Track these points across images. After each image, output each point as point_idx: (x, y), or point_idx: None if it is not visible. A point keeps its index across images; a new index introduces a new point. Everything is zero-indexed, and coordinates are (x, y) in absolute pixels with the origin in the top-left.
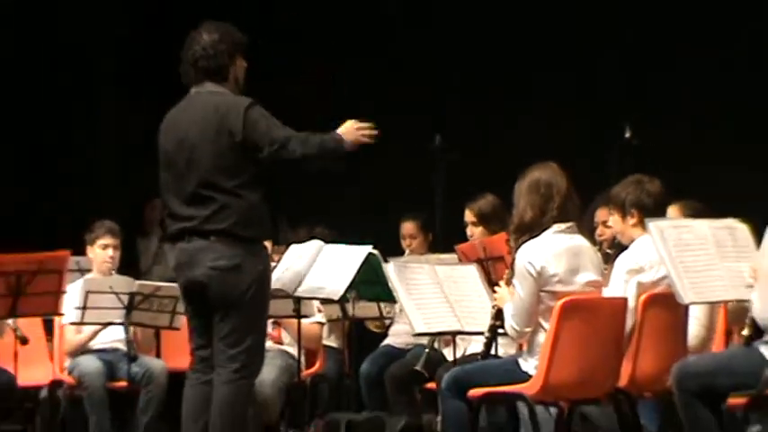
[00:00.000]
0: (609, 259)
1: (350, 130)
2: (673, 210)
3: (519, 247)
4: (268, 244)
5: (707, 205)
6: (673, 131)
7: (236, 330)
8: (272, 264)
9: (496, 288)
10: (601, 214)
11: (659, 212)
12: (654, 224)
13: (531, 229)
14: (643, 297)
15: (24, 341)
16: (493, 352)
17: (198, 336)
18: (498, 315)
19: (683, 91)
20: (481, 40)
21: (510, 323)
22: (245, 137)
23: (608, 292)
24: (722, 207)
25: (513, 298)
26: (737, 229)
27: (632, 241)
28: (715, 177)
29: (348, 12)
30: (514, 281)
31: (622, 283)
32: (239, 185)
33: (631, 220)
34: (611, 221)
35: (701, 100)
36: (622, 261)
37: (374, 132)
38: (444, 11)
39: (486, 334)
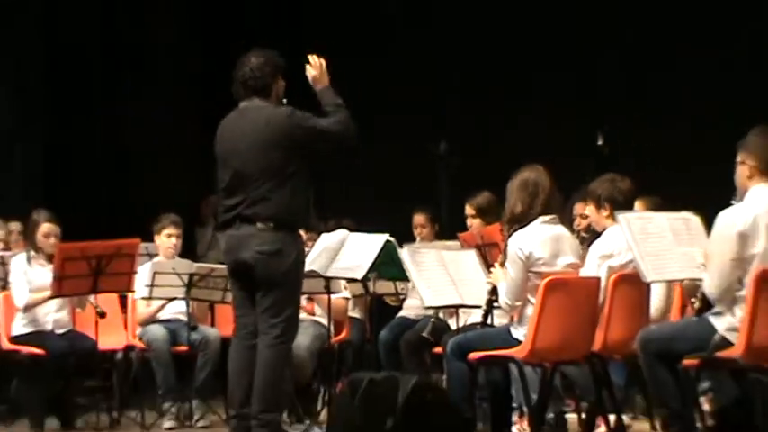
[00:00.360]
0: (584, 242)
1: (314, 78)
2: (638, 204)
3: (511, 235)
4: (302, 232)
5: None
6: (672, 131)
7: (276, 304)
8: (307, 249)
9: (491, 269)
10: (578, 208)
11: (628, 206)
12: (622, 216)
13: (521, 221)
14: (613, 277)
15: (102, 315)
16: (489, 322)
17: (241, 307)
18: (493, 291)
19: (683, 91)
20: (481, 40)
21: (503, 298)
22: (299, 134)
23: (584, 272)
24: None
25: (505, 278)
26: (691, 220)
27: (605, 229)
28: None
29: (349, 11)
30: (507, 263)
31: (596, 267)
32: (282, 182)
33: (604, 212)
34: (587, 211)
35: (700, 100)
36: (596, 247)
37: (316, 59)
38: (444, 11)
39: (484, 307)
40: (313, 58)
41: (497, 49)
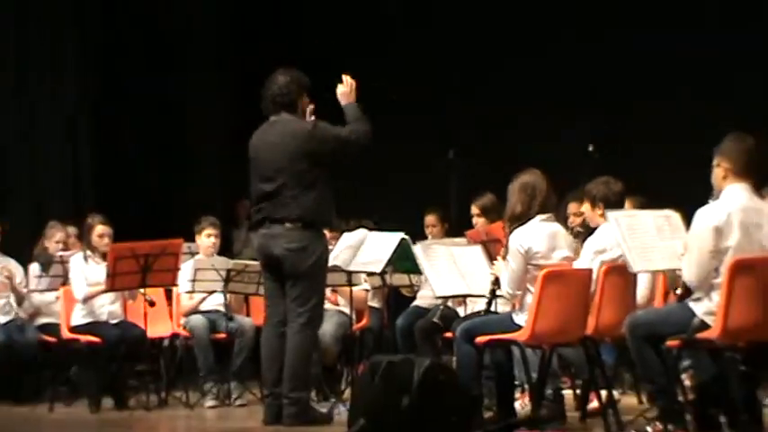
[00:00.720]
0: (579, 236)
1: (343, 93)
2: (627, 203)
3: (512, 232)
4: (326, 231)
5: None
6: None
7: (302, 294)
8: (330, 246)
9: (494, 262)
10: (571, 207)
11: (620, 206)
12: (611, 214)
13: (520, 219)
14: (603, 268)
15: (152, 303)
16: (493, 309)
17: (272, 298)
18: (496, 282)
19: (683, 92)
20: (482, 41)
21: (505, 288)
22: (322, 145)
23: (578, 264)
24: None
25: (507, 269)
26: (672, 216)
27: (598, 226)
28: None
29: (351, 11)
30: (508, 257)
31: (589, 260)
32: (307, 187)
33: (598, 211)
34: (583, 208)
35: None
36: (590, 243)
37: (348, 79)
38: (445, 11)
39: (487, 295)
40: (346, 78)
41: (499, 52)
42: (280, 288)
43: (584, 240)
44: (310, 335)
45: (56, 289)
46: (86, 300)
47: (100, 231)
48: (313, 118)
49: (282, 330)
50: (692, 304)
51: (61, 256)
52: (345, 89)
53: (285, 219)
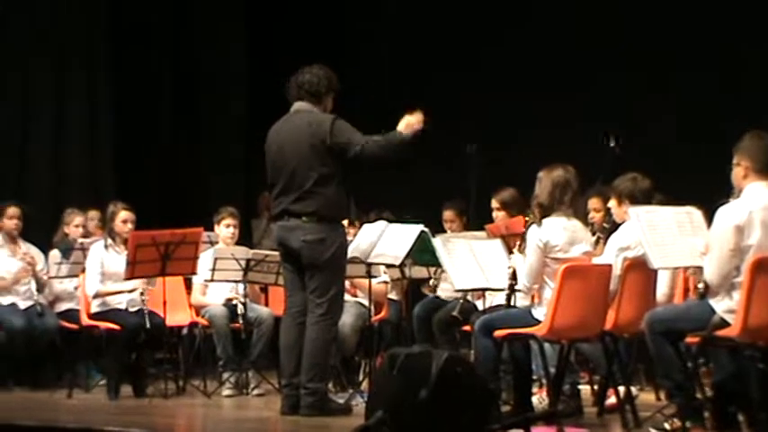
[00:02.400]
0: (604, 232)
1: (407, 124)
2: None
3: (532, 224)
4: (345, 222)
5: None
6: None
7: (321, 286)
8: (350, 238)
9: (511, 255)
10: (592, 203)
11: (647, 203)
12: (633, 209)
13: (546, 210)
14: (625, 263)
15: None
16: (512, 303)
17: (291, 289)
18: (513, 275)
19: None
20: (503, 36)
21: (522, 281)
22: (332, 142)
23: (599, 259)
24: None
25: (524, 264)
26: (693, 213)
27: (623, 222)
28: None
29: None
30: (526, 251)
31: (613, 256)
32: (324, 179)
33: (624, 207)
34: (609, 204)
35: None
36: (615, 239)
37: (423, 119)
38: (465, 6)
39: (506, 290)
40: (418, 114)
41: (522, 54)
42: (299, 279)
43: (608, 236)
44: (329, 325)
45: (76, 276)
46: (98, 296)
47: (123, 217)
48: (335, 116)
49: (301, 321)
50: (712, 302)
51: (82, 243)
52: (410, 120)
53: (302, 212)
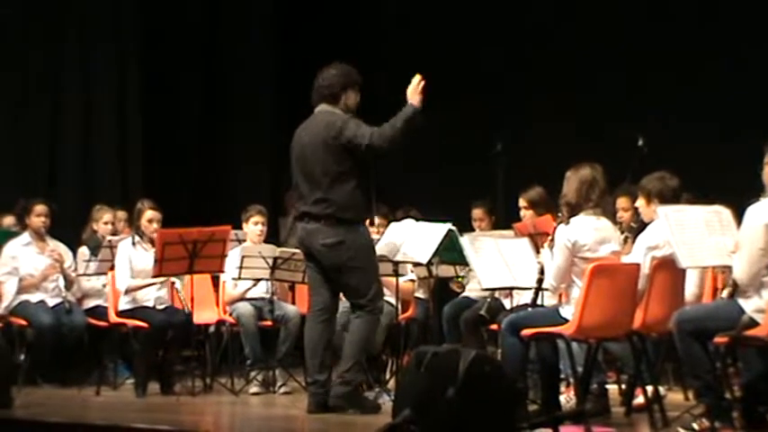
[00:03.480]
0: (632, 231)
1: (412, 92)
2: None
3: (561, 222)
4: (376, 219)
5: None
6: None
7: (352, 287)
8: (377, 237)
9: (540, 251)
10: (620, 202)
11: (675, 202)
12: (661, 209)
13: (573, 209)
14: (654, 262)
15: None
16: (539, 302)
17: (315, 287)
18: (542, 271)
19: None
20: (531, 34)
21: (549, 281)
22: (344, 139)
23: (628, 258)
24: None
25: (552, 263)
26: (722, 212)
27: (651, 221)
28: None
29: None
30: (555, 250)
31: (642, 256)
32: (340, 180)
33: (653, 206)
34: (638, 203)
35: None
36: (644, 238)
37: (420, 80)
38: (490, 6)
39: (534, 285)
40: (415, 77)
41: (544, 55)
42: (322, 278)
43: (636, 236)
44: (373, 320)
45: (104, 273)
46: (128, 292)
47: (149, 216)
48: (349, 116)
49: (323, 319)
50: (741, 301)
51: (110, 241)
52: (412, 87)
53: (320, 215)
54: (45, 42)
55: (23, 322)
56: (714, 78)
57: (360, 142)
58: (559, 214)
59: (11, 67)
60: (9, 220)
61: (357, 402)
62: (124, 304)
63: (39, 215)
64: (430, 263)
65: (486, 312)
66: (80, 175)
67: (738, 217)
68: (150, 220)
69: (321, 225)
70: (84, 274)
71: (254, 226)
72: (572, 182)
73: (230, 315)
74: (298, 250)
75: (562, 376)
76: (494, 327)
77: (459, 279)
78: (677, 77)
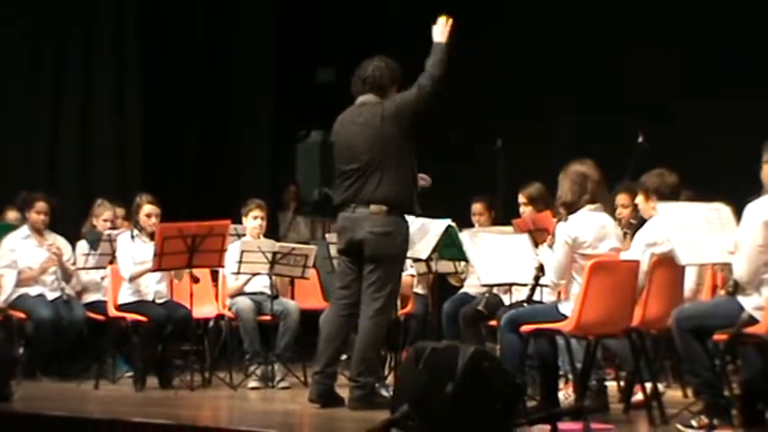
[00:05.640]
0: (631, 227)
1: (438, 32)
2: None
3: (560, 220)
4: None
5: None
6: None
7: (379, 280)
8: None
9: (539, 248)
10: (619, 199)
11: (674, 198)
12: (661, 206)
13: (570, 207)
14: (653, 259)
15: (197, 280)
16: (537, 298)
17: (344, 280)
18: (540, 268)
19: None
20: (532, 32)
21: (550, 277)
22: (410, 112)
23: (627, 255)
24: None
25: (552, 259)
26: (722, 209)
27: (650, 217)
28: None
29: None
30: (555, 247)
31: (640, 252)
32: (392, 170)
33: (652, 203)
34: (637, 200)
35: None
36: (642, 235)
37: (448, 19)
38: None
39: (531, 281)
40: (442, 18)
41: (544, 51)
42: (356, 272)
43: (635, 232)
44: (382, 320)
45: (103, 267)
46: (133, 279)
47: (148, 211)
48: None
49: (347, 313)
50: (740, 298)
51: (109, 235)
52: (439, 27)
53: (370, 201)
54: (45, 42)
55: (22, 315)
56: (714, 78)
57: (416, 98)
58: (558, 216)
59: (12, 67)
60: (13, 215)
61: (374, 403)
62: (125, 297)
63: (39, 212)
64: (429, 258)
65: (485, 308)
66: (80, 169)
67: (737, 215)
68: (149, 215)
69: (370, 212)
70: (84, 268)
71: (253, 220)
72: (564, 182)
73: (229, 309)
74: (298, 245)
75: (561, 373)
76: (493, 323)
77: (459, 274)
78: (677, 77)
